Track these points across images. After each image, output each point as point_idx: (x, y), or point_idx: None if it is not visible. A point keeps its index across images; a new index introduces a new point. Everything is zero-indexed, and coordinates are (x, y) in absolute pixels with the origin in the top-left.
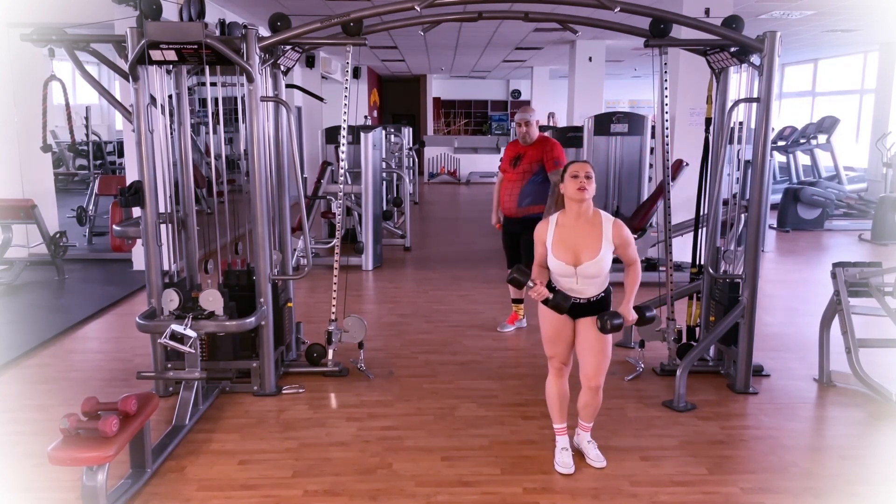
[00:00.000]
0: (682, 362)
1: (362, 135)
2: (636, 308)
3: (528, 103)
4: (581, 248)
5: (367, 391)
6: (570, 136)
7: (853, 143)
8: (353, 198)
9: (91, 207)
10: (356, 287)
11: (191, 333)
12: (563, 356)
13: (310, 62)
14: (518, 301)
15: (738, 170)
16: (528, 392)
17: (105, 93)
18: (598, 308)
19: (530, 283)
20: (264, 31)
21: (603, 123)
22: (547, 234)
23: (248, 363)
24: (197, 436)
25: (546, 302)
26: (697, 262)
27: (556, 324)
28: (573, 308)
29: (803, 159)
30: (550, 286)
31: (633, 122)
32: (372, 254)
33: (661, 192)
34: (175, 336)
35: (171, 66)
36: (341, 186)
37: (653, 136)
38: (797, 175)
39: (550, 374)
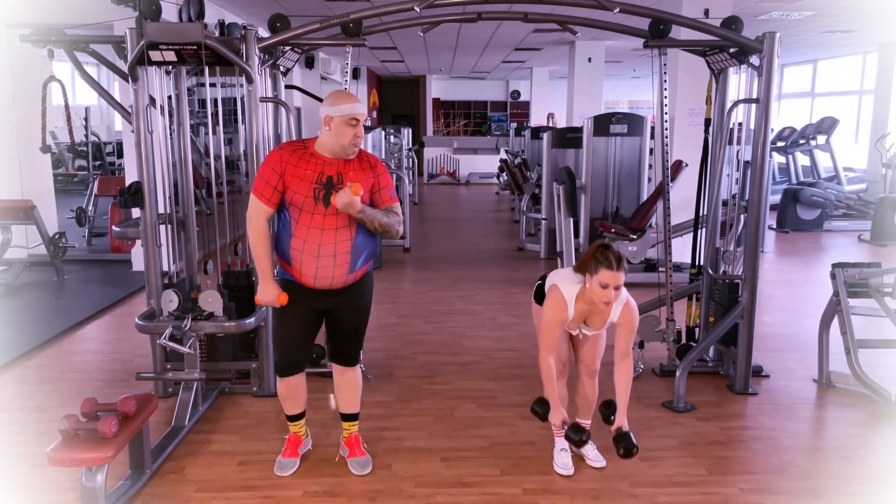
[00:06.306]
0: (681, 363)
1: None
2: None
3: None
4: (591, 322)
5: (367, 392)
6: (570, 137)
7: (852, 143)
8: None
9: (90, 208)
10: None
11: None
12: (565, 351)
13: (309, 63)
14: (296, 418)
15: (738, 170)
16: (527, 393)
17: (104, 93)
18: None
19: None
20: (264, 32)
21: (602, 124)
22: (567, 313)
23: (248, 364)
24: (196, 436)
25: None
26: (697, 263)
27: (563, 319)
28: None
29: (802, 160)
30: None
31: (633, 122)
32: None
33: (661, 192)
34: (174, 337)
35: (170, 66)
36: None
37: (652, 137)
38: (796, 176)
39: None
